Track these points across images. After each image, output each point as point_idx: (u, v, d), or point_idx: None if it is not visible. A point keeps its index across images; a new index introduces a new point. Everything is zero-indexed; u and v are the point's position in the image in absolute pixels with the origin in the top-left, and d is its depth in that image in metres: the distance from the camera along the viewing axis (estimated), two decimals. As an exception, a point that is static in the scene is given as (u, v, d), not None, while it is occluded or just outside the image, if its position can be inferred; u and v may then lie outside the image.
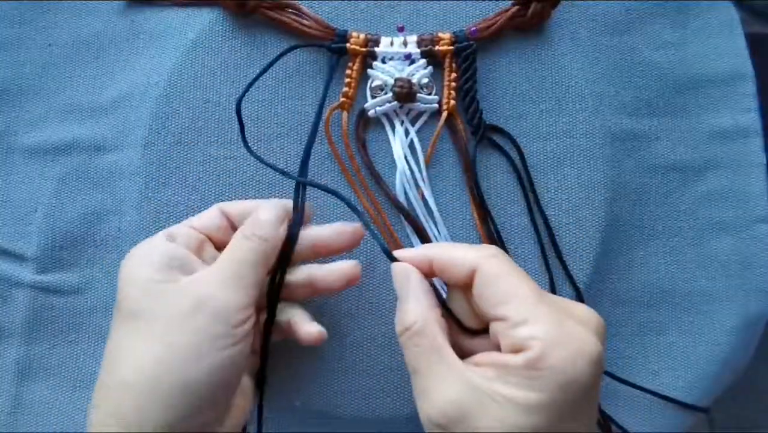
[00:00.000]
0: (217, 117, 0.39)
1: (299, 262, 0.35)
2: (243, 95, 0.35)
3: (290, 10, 0.39)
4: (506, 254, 0.31)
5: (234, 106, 0.39)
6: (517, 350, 0.27)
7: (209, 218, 0.34)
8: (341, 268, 0.34)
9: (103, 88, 0.40)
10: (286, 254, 0.34)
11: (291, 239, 0.34)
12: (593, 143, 0.40)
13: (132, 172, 0.39)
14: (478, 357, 0.29)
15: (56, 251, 0.39)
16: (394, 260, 0.31)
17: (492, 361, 0.28)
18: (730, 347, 0.41)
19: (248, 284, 0.31)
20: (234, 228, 0.34)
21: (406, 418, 0.38)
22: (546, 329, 0.27)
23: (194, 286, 0.30)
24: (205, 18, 0.40)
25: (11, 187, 0.40)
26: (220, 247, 0.34)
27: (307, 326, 0.34)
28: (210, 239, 0.34)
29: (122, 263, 0.32)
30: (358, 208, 0.38)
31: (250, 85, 0.35)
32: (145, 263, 0.31)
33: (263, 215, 0.33)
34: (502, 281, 0.28)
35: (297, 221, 0.34)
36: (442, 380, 0.28)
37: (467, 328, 0.31)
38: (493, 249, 0.30)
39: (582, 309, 0.30)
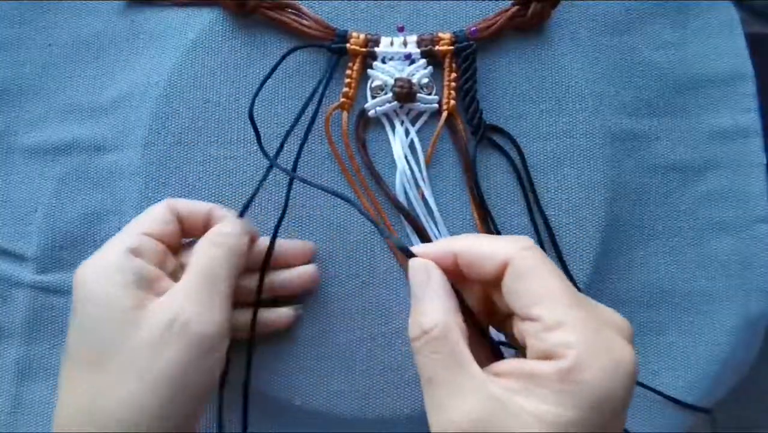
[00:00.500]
0: (217, 117, 0.39)
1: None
2: (253, 104, 0.34)
3: (290, 10, 0.39)
4: (541, 249, 0.27)
5: (234, 105, 0.39)
6: (547, 356, 0.24)
7: (159, 220, 0.32)
8: (302, 273, 0.36)
9: (103, 88, 0.40)
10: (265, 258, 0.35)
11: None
12: (593, 143, 0.40)
13: (132, 172, 0.39)
14: (500, 365, 0.26)
15: (56, 251, 0.39)
16: (411, 256, 0.28)
17: (517, 369, 0.25)
18: (731, 347, 0.41)
19: (222, 299, 0.30)
20: (184, 230, 0.33)
21: (406, 418, 0.38)
22: (582, 335, 0.24)
23: (169, 309, 0.28)
24: (205, 18, 0.40)
25: (11, 187, 0.40)
26: (173, 250, 0.33)
27: (283, 315, 0.36)
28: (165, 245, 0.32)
29: (79, 279, 0.29)
30: (359, 205, 0.38)
31: (258, 92, 0.35)
32: (112, 283, 0.28)
33: (228, 228, 0.32)
34: (537, 277, 0.25)
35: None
36: (461, 393, 0.25)
37: (487, 332, 0.29)
38: (527, 240, 0.27)
39: (613, 314, 0.27)
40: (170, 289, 0.30)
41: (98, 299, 0.28)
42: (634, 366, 0.24)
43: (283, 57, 0.36)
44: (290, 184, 0.36)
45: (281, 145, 0.35)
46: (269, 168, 0.35)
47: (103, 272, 0.29)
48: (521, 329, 0.26)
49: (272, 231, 0.37)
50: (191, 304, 0.29)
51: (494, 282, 0.27)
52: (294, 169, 0.37)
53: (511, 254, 0.26)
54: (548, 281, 0.25)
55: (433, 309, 0.26)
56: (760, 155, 0.43)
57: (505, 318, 0.29)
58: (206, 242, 0.31)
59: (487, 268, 0.27)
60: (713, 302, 0.41)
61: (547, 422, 0.23)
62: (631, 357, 0.25)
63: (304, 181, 0.33)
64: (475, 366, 0.25)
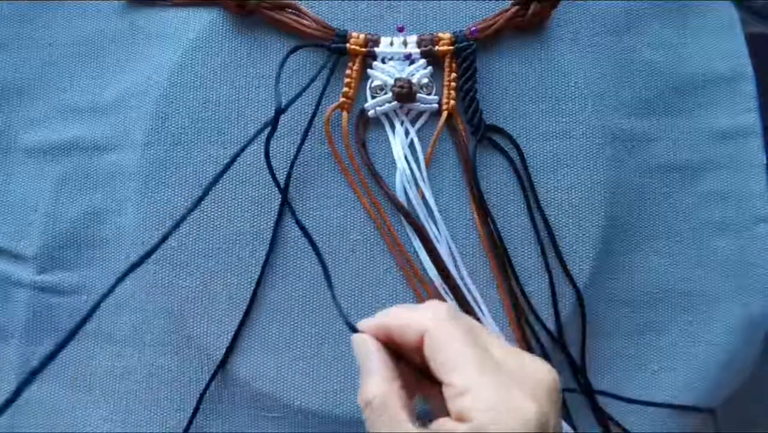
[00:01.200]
0: (217, 117, 0.39)
1: None
2: (284, 105, 0.34)
3: (290, 10, 0.39)
4: (460, 313, 0.30)
5: (234, 105, 0.39)
6: (460, 419, 0.27)
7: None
8: None
9: (103, 88, 0.40)
10: None
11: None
12: (593, 143, 0.40)
13: (132, 172, 0.39)
14: (435, 424, 0.28)
15: (56, 251, 0.39)
16: (355, 331, 0.31)
17: (443, 428, 0.28)
18: (731, 348, 0.41)
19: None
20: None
21: (406, 418, 0.38)
22: (487, 400, 0.27)
23: None
24: (205, 18, 0.40)
25: (11, 186, 0.40)
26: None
27: None
28: None
29: None
30: (363, 210, 0.38)
31: (274, 130, 0.35)
32: None
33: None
34: (450, 346, 0.28)
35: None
36: None
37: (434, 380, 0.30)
38: (443, 309, 0.30)
39: (535, 367, 0.29)
40: None
41: None
42: (541, 423, 0.27)
43: (286, 57, 0.36)
44: (287, 182, 0.35)
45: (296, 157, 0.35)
46: (283, 204, 0.34)
47: None
48: (443, 391, 0.28)
49: (272, 231, 0.37)
50: None
51: (420, 350, 0.29)
52: (291, 167, 0.36)
53: (427, 324, 0.29)
54: (458, 350, 0.28)
55: (373, 382, 0.29)
56: (760, 155, 0.43)
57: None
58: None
59: (409, 338, 0.29)
60: (713, 301, 0.41)
61: None
62: (536, 414, 0.27)
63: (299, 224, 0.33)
64: (412, 429, 0.28)
